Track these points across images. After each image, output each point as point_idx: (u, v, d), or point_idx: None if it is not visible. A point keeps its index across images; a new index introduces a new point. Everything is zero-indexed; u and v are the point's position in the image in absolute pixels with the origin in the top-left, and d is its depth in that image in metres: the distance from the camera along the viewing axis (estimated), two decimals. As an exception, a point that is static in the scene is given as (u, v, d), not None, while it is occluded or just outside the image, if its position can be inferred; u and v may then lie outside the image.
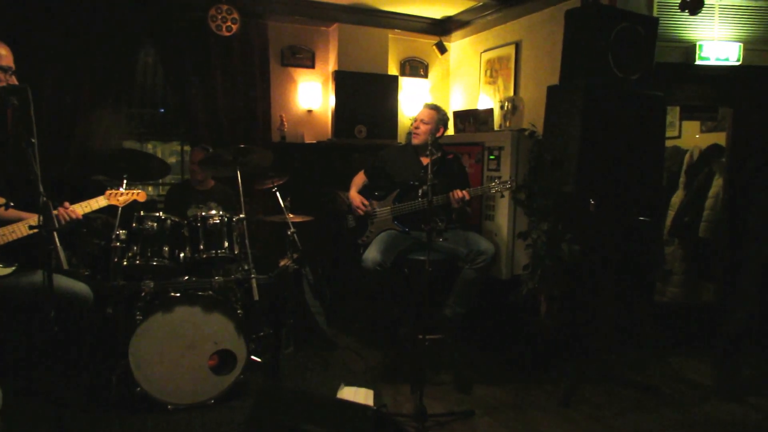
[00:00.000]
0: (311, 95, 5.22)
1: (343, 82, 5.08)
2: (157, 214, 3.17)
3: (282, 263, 3.82)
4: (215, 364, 3.04)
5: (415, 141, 3.63)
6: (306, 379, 3.49)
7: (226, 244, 3.24)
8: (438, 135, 3.65)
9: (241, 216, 3.27)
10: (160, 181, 5.21)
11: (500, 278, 4.08)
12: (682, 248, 5.00)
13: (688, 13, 3.56)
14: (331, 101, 5.18)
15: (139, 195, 3.05)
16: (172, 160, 5.51)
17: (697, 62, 4.04)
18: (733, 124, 4.24)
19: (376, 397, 3.19)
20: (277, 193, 3.83)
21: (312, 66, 5.26)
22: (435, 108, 3.66)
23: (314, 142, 5.23)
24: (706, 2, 3.55)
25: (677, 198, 5.08)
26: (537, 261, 3.77)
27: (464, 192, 3.35)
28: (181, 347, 2.97)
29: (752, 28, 4.14)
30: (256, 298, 3.10)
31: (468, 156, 4.35)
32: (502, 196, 3.60)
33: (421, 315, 3.20)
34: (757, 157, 3.35)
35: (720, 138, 4.75)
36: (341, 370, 3.65)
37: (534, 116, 4.19)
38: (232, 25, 4.59)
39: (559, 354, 3.78)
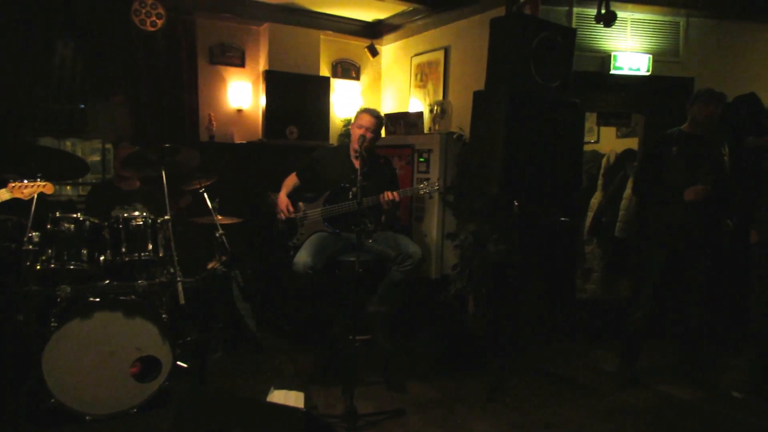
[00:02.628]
0: (241, 94, 5.13)
1: (274, 82, 5.03)
2: (75, 215, 3.02)
3: (210, 266, 3.74)
4: (138, 371, 2.93)
5: (356, 146, 3.61)
6: (235, 384, 3.43)
7: (151, 246, 3.13)
8: (377, 139, 3.66)
9: (167, 217, 3.17)
10: (80, 180, 4.96)
11: (430, 278, 4.17)
12: (600, 247, 5.28)
13: (603, 25, 3.79)
14: (262, 101, 5.11)
15: (46, 187, 2.87)
16: (94, 158, 5.27)
17: (612, 72, 4.29)
18: (645, 130, 4.54)
19: (306, 400, 3.17)
20: (205, 194, 3.75)
21: (242, 65, 5.18)
22: (377, 114, 3.65)
23: (244, 142, 5.14)
24: (619, 16, 3.79)
25: (596, 199, 5.35)
26: (465, 261, 3.87)
27: (394, 194, 3.39)
28: (101, 354, 2.85)
29: (660, 42, 4.44)
30: (182, 302, 3.03)
31: (398, 158, 4.42)
32: (430, 197, 3.68)
33: (351, 316, 3.21)
34: (642, 172, 3.60)
35: (634, 143, 5.06)
36: (272, 374, 3.61)
37: (462, 120, 4.31)
38: (157, 20, 4.45)
39: (487, 350, 3.90)
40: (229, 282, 3.97)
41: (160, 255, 3.16)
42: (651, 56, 4.38)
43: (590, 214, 5.30)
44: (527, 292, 4.07)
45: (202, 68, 4.93)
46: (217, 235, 3.68)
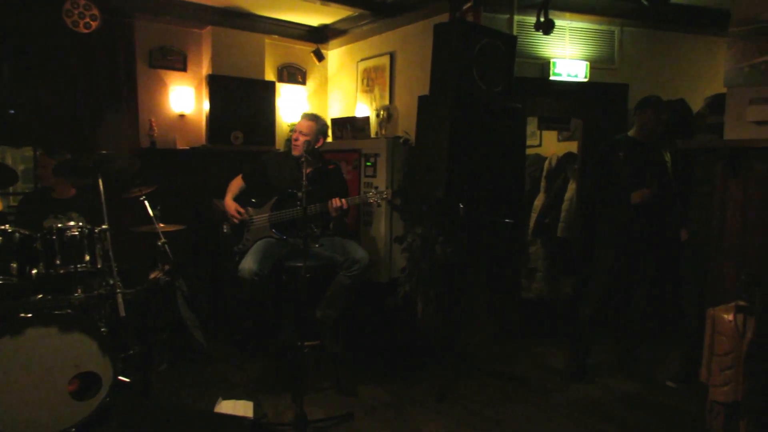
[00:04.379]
0: (184, 99, 5.01)
1: (217, 86, 4.94)
2: (3, 227, 2.86)
3: (152, 276, 3.63)
4: (76, 389, 2.80)
5: (295, 152, 3.60)
6: (181, 397, 3.34)
7: (88, 257, 3.00)
8: (318, 145, 3.65)
9: (105, 227, 3.06)
10: (11, 189, 4.72)
11: (379, 282, 4.18)
12: (544, 247, 5.44)
13: (542, 33, 3.91)
14: (206, 106, 5.01)
15: None
16: (26, 166, 5.03)
17: (552, 78, 4.44)
18: (583, 133, 4.70)
19: (256, 408, 3.12)
20: (146, 202, 3.64)
21: (184, 69, 5.06)
22: (314, 118, 3.65)
23: (187, 148, 5.02)
24: (557, 24, 3.92)
25: (539, 201, 5.52)
26: (413, 264, 3.90)
27: (342, 201, 3.39)
28: (35, 373, 2.69)
29: (596, 49, 4.62)
30: (123, 314, 2.92)
31: (345, 162, 4.42)
32: (379, 205, 3.70)
33: (299, 322, 3.19)
34: (593, 176, 3.74)
35: (574, 146, 5.23)
36: (220, 384, 3.54)
37: (408, 124, 4.35)
38: (91, 22, 4.28)
39: (437, 351, 3.95)
40: (173, 291, 3.86)
41: (99, 266, 3.03)
42: (588, 63, 4.56)
43: (534, 216, 5.46)
44: (474, 293, 4.15)
45: (141, 72, 4.78)
46: (159, 243, 3.57)
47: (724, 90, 2.75)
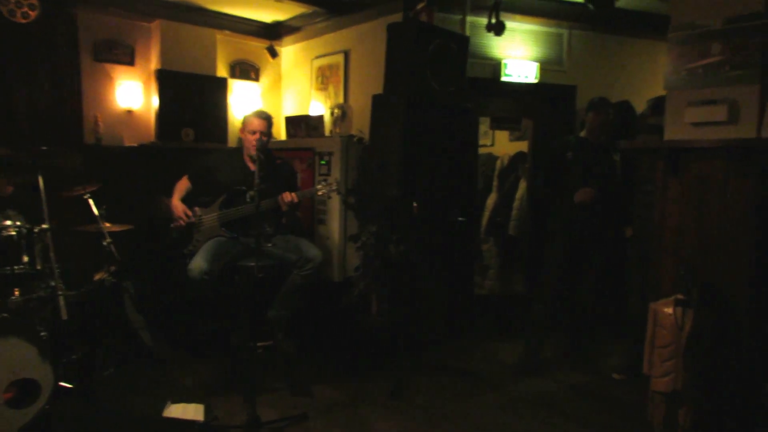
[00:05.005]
0: (131, 94, 4.86)
1: (167, 81, 4.81)
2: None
3: (97, 277, 3.51)
4: (13, 397, 2.67)
5: (253, 152, 3.54)
6: (128, 401, 3.24)
7: (26, 258, 2.88)
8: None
9: (45, 226, 2.93)
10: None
11: (333, 280, 4.16)
12: (497, 245, 5.55)
13: (493, 34, 3.98)
14: (154, 102, 4.87)
15: None
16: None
17: (503, 78, 4.51)
18: (534, 133, 4.81)
19: (207, 412, 3.06)
20: (91, 201, 3.51)
21: (131, 63, 4.90)
22: (267, 117, 3.61)
23: (135, 145, 4.87)
24: (508, 26, 4.00)
25: (491, 200, 5.62)
26: (367, 262, 3.91)
27: (292, 194, 3.36)
28: (-32, 380, 2.57)
29: (546, 51, 4.73)
30: (65, 317, 2.81)
31: (299, 161, 4.38)
32: (329, 197, 3.68)
33: (251, 322, 3.14)
34: (544, 175, 3.83)
35: (525, 146, 5.35)
36: (169, 387, 3.44)
37: (362, 123, 4.35)
38: (30, 12, 4.10)
39: (391, 349, 3.96)
40: (120, 293, 3.74)
41: (38, 267, 2.92)
42: (538, 65, 4.66)
43: (486, 214, 5.56)
44: (428, 290, 4.18)
45: (85, 65, 4.61)
46: (105, 243, 3.46)
47: (665, 92, 2.86)
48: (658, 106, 3.39)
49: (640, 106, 4.25)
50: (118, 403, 3.21)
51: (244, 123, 3.57)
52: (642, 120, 3.87)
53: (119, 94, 4.82)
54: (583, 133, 3.79)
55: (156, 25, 4.88)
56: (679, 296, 2.49)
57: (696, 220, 2.61)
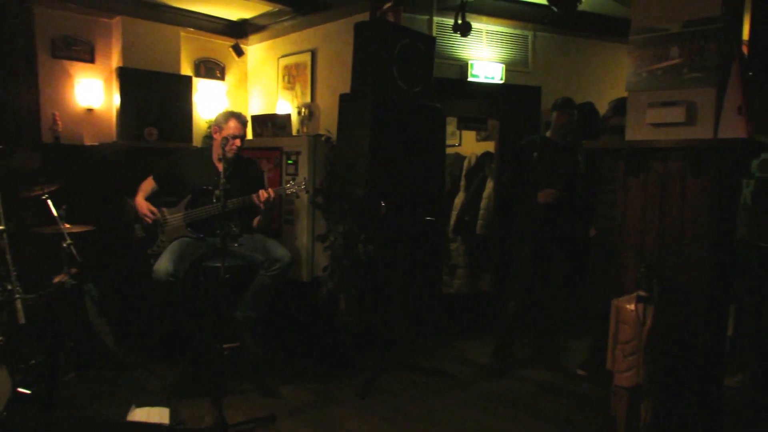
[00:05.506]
0: (92, 93, 4.73)
1: (129, 79, 4.70)
2: None
3: (57, 279, 3.41)
4: (-31, 403, 2.59)
5: (231, 154, 3.47)
6: (90, 407, 3.16)
7: (-19, 261, 2.78)
8: None
9: (1, 228, 2.83)
10: None
11: (301, 281, 4.13)
12: (464, 244, 5.59)
13: (460, 35, 4.01)
14: (116, 100, 4.75)
15: None
16: None
17: (470, 79, 4.56)
18: (500, 134, 4.87)
19: (172, 415, 3.01)
20: (49, 201, 3.41)
21: (92, 60, 4.78)
22: (245, 122, 3.54)
23: (96, 144, 4.74)
24: (474, 27, 4.04)
25: (459, 199, 5.66)
26: (335, 262, 3.89)
27: (270, 191, 3.32)
28: None
29: (512, 52, 4.80)
30: (22, 321, 2.72)
31: (266, 160, 4.34)
32: (297, 196, 3.65)
33: (218, 323, 3.10)
34: (510, 174, 3.88)
35: (492, 146, 5.41)
36: (133, 392, 3.37)
37: (329, 122, 4.34)
38: (-17, 6, 3.95)
39: (360, 349, 3.96)
40: (81, 296, 3.64)
41: (-6, 270, 2.82)
42: (504, 66, 4.72)
43: (454, 214, 5.60)
44: (396, 290, 4.19)
45: (43, 62, 4.47)
46: (65, 245, 3.36)
47: (627, 94, 2.93)
48: (620, 107, 3.47)
49: (603, 107, 4.34)
50: (79, 408, 3.13)
51: (221, 124, 3.47)
52: (605, 121, 3.95)
53: (79, 92, 4.69)
54: (548, 134, 3.86)
55: (117, 22, 4.77)
56: (641, 293, 2.55)
57: (657, 218, 2.68)
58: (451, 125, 5.79)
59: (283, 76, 5.23)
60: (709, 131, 2.51)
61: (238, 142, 3.41)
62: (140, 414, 2.96)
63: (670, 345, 2.53)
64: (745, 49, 2.61)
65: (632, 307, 2.56)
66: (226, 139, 3.32)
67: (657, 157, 2.65)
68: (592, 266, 3.82)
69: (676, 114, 2.57)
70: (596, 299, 3.73)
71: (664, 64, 2.60)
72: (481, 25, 4.58)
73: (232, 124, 3.43)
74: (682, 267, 2.60)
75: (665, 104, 2.61)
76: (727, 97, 2.45)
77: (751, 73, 2.54)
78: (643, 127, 2.72)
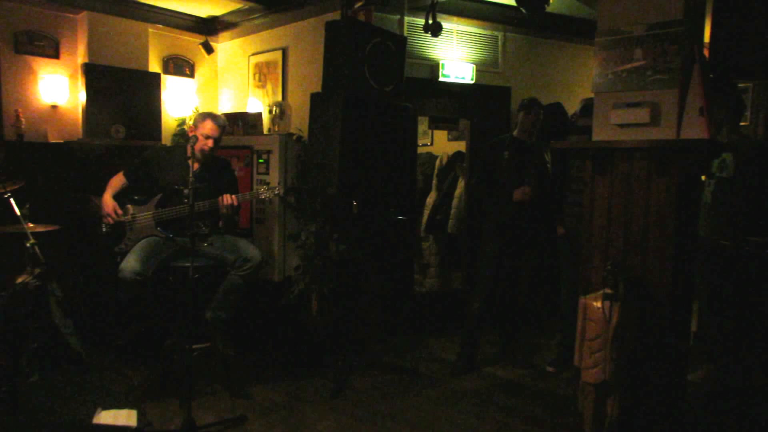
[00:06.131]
0: (57, 89, 4.62)
1: (95, 76, 4.60)
2: None
3: (20, 280, 3.32)
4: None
5: (199, 154, 3.42)
6: (55, 409, 3.08)
7: (-61, 261, 2.69)
8: None
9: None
10: None
11: (273, 280, 4.11)
12: (436, 243, 5.62)
13: (430, 35, 4.03)
14: (82, 97, 4.65)
15: None
16: None
17: (441, 79, 4.59)
18: (471, 133, 4.92)
19: (140, 417, 2.96)
20: (12, 200, 3.32)
21: (56, 56, 4.66)
22: (223, 125, 3.49)
23: (61, 141, 4.64)
24: (445, 27, 4.07)
25: (431, 198, 5.69)
26: (307, 261, 3.88)
27: (232, 197, 3.29)
28: None
29: (482, 53, 4.85)
30: (-17, 323, 2.64)
31: (237, 159, 4.29)
32: (270, 201, 3.63)
33: (187, 324, 3.06)
34: (480, 174, 3.92)
35: (463, 146, 5.45)
36: (99, 394, 3.30)
37: (301, 121, 4.32)
38: (-59, -2, 3.83)
39: (332, 348, 3.95)
40: (45, 296, 3.55)
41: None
42: (474, 66, 4.77)
43: (426, 213, 5.63)
44: (368, 289, 4.20)
45: (5, 58, 4.36)
46: (28, 245, 3.27)
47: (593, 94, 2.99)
48: (587, 107, 3.53)
49: (571, 107, 4.42)
50: (43, 410, 3.05)
51: (198, 123, 3.42)
52: (573, 121, 4.03)
53: (43, 89, 4.58)
54: (514, 133, 3.90)
55: (83, 17, 4.66)
56: (607, 290, 2.60)
57: (622, 217, 2.74)
58: (422, 125, 5.82)
59: (254, 74, 5.19)
60: (673, 132, 2.58)
61: (210, 143, 3.38)
62: (106, 416, 2.91)
63: (636, 341, 2.59)
64: (705, 52, 2.69)
65: (599, 304, 2.61)
66: (195, 137, 3.28)
67: (622, 157, 2.71)
68: (561, 264, 3.88)
69: (641, 115, 2.63)
70: (564, 297, 3.80)
71: (629, 65, 2.66)
72: (451, 26, 4.62)
73: (208, 124, 3.40)
74: (647, 265, 2.67)
75: (630, 105, 2.67)
76: (689, 99, 2.52)
77: (711, 75, 2.62)
78: (609, 128, 2.78)
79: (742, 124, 4.02)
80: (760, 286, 3.15)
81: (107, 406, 3.01)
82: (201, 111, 3.62)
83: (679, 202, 2.58)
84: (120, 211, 3.38)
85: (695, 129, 2.48)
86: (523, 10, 3.87)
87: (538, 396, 3.51)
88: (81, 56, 4.71)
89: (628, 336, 2.58)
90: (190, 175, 2.79)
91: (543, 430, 3.09)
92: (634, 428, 2.66)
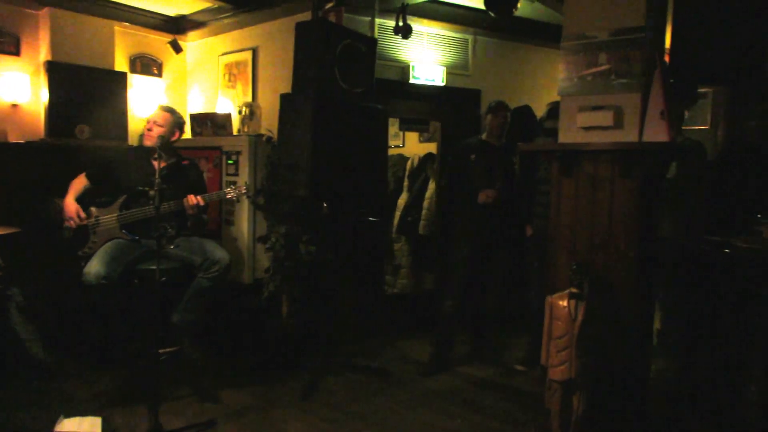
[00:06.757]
0: (17, 87, 4.49)
1: (58, 74, 4.49)
2: None
3: (-22, 285, 3.22)
4: None
5: (147, 143, 3.40)
6: (15, 418, 3.01)
7: None
8: (173, 139, 3.47)
9: None
10: None
11: (242, 283, 4.07)
12: (408, 244, 5.65)
13: (401, 37, 4.05)
14: (44, 96, 4.53)
15: None
16: None
17: (411, 81, 4.61)
18: (441, 135, 4.95)
19: (104, 424, 2.90)
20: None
21: (17, 53, 4.53)
22: (170, 111, 3.48)
23: (22, 141, 4.50)
24: (415, 30, 4.09)
25: (402, 200, 5.71)
26: (277, 263, 3.85)
27: (198, 198, 3.25)
28: None
29: (452, 55, 4.89)
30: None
31: (206, 160, 4.24)
32: (238, 201, 3.60)
33: (154, 328, 3.01)
34: (449, 176, 3.95)
35: (434, 147, 5.49)
36: (63, 401, 3.23)
37: (271, 122, 4.28)
38: None
39: (303, 350, 3.93)
40: (5, 302, 3.46)
41: None
42: (445, 68, 4.80)
43: (398, 214, 5.65)
44: (339, 291, 4.19)
45: (-39, 55, 4.22)
46: (-13, 248, 3.18)
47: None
48: (554, 110, 3.59)
49: (540, 110, 4.48)
50: (3, 420, 2.97)
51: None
52: (540, 124, 4.09)
53: (2, 87, 4.44)
54: (483, 136, 3.95)
55: (45, 14, 4.54)
56: (573, 290, 2.65)
57: (587, 217, 2.79)
58: (394, 126, 5.83)
59: (224, 75, 5.13)
60: (635, 135, 2.65)
61: (153, 128, 3.35)
62: (69, 424, 2.84)
63: (600, 338, 2.65)
64: (666, 57, 2.76)
65: (564, 303, 2.66)
66: (162, 136, 3.26)
67: (587, 158, 2.77)
68: (529, 264, 3.93)
69: (605, 118, 2.70)
70: (533, 296, 3.85)
71: (594, 70, 2.72)
72: (422, 28, 4.64)
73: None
74: (611, 264, 2.73)
75: (595, 108, 2.73)
76: (650, 103, 2.59)
77: (672, 80, 2.70)
78: (574, 130, 2.83)
79: (702, 128, 4.15)
80: (719, 284, 3.24)
81: (70, 414, 2.94)
82: (180, 113, 3.57)
83: (642, 203, 2.64)
84: (83, 215, 3.31)
85: (657, 132, 2.55)
86: (492, 14, 3.92)
87: (508, 394, 3.56)
88: (43, 54, 4.59)
89: (593, 334, 2.63)
90: (157, 176, 2.74)
91: (512, 428, 3.13)
92: (600, 424, 2.72)
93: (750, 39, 2.74)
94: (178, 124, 3.48)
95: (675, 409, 3.23)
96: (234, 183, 3.56)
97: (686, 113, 3.54)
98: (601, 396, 2.69)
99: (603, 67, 2.71)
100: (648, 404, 2.97)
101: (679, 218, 3.40)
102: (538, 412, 3.09)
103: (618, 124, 2.70)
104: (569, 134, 2.86)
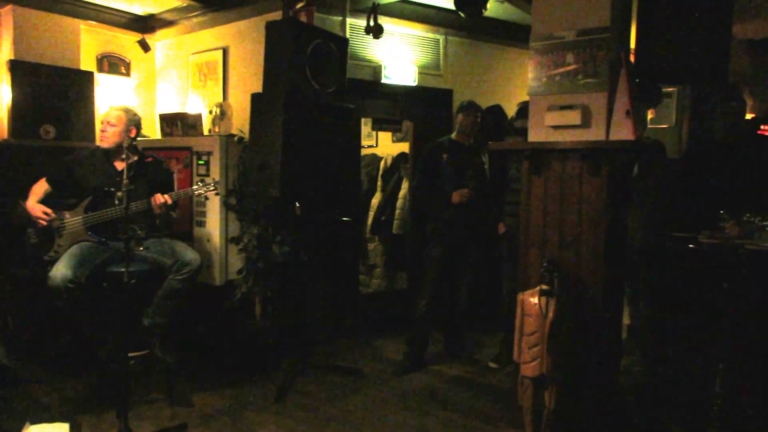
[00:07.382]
0: (-22, 87, 4.37)
1: (22, 73, 4.37)
2: None
3: (-62, 290, 3.12)
4: None
5: (104, 145, 3.34)
6: (-22, 427, 2.92)
7: None
8: (131, 136, 3.40)
9: None
10: None
11: (214, 284, 4.02)
12: (382, 244, 5.65)
13: (372, 37, 4.05)
14: (6, 95, 4.41)
15: None
16: None
17: (383, 81, 4.61)
18: (414, 135, 4.97)
19: (72, 430, 2.83)
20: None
21: (-22, 52, 4.41)
22: (123, 109, 3.41)
23: (-16, 142, 4.39)
24: (387, 30, 4.10)
25: (376, 199, 5.72)
26: (250, 264, 3.82)
27: (165, 196, 3.20)
28: None
29: (424, 55, 4.91)
30: None
31: (176, 161, 4.18)
32: (207, 198, 3.55)
33: (123, 332, 2.96)
34: (421, 176, 3.97)
35: (407, 147, 5.50)
36: (28, 408, 3.16)
37: (242, 122, 4.24)
38: None
39: (276, 352, 3.90)
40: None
41: None
42: (417, 68, 4.82)
43: (371, 214, 5.65)
44: (313, 291, 4.17)
45: None
46: (-53, 252, 3.08)
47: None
48: (523, 110, 3.63)
49: (511, 109, 4.53)
50: (-35, 430, 2.89)
51: None
52: (511, 123, 4.14)
53: (-37, 86, 4.32)
54: (453, 135, 3.97)
55: (7, 11, 4.42)
56: (543, 287, 2.69)
57: (557, 215, 2.84)
58: (367, 126, 5.83)
59: (194, 74, 5.06)
60: (602, 133, 2.70)
61: (109, 130, 3.31)
62: (36, 431, 2.77)
63: (570, 334, 2.69)
64: (631, 57, 2.82)
65: (535, 300, 2.69)
66: (118, 134, 3.23)
67: (556, 157, 2.81)
68: (502, 262, 3.97)
69: (572, 117, 2.74)
70: (505, 294, 3.89)
71: (561, 69, 2.76)
72: (393, 28, 4.65)
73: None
74: (580, 261, 2.77)
75: (563, 108, 2.78)
76: (616, 102, 2.64)
77: (637, 80, 2.75)
78: (543, 129, 2.87)
79: (667, 126, 4.24)
80: (685, 279, 3.32)
81: (36, 420, 2.87)
82: (135, 110, 3.50)
83: (609, 201, 2.69)
84: (50, 211, 3.22)
85: (623, 130, 2.60)
86: (462, 14, 3.94)
87: (482, 391, 3.59)
88: (6, 52, 4.46)
89: (563, 330, 2.67)
90: (124, 176, 2.70)
91: (486, 424, 3.16)
92: (571, 419, 2.76)
93: (713, 38, 2.81)
94: (133, 121, 3.41)
95: (644, 402, 3.30)
96: (203, 180, 3.50)
97: (652, 112, 3.62)
98: (573, 391, 2.74)
99: (570, 67, 2.75)
100: (618, 398, 3.03)
101: (641, 215, 3.47)
102: (512, 409, 3.13)
103: (585, 123, 2.75)
104: (538, 133, 2.90)
